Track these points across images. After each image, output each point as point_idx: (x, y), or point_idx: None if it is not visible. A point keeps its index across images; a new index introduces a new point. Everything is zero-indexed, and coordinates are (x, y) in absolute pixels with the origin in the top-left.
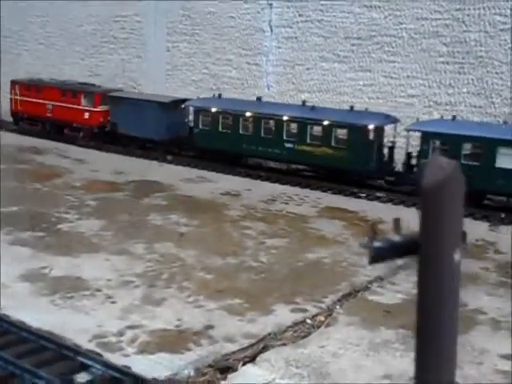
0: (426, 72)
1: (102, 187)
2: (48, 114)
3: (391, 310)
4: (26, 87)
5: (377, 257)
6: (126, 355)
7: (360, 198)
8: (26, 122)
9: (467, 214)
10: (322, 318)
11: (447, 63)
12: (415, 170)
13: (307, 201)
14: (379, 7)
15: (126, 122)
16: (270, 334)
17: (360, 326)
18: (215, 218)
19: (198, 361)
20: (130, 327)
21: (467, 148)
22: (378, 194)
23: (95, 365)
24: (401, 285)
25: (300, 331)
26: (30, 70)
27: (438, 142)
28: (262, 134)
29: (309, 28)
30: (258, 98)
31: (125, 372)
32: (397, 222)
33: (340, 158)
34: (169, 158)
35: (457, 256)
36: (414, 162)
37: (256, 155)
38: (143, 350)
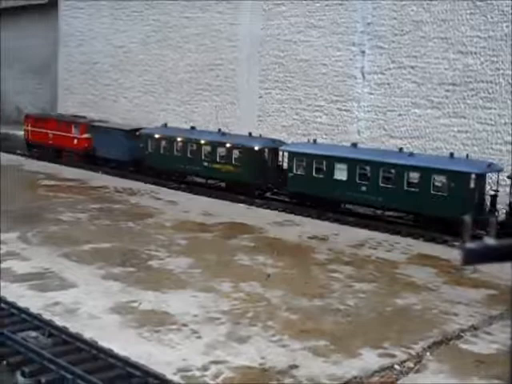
0: None
1: (191, 227)
2: (50, 141)
3: (485, 360)
4: (35, 120)
5: (470, 259)
6: None
7: (454, 246)
8: (35, 148)
9: None
10: (411, 365)
11: None
12: None
13: (397, 247)
14: (475, 53)
15: (102, 146)
16: (355, 378)
17: (451, 375)
18: (302, 260)
19: None
20: (214, 362)
21: None
22: None
23: None
24: (496, 335)
25: (387, 376)
26: (127, 116)
27: None
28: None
29: (401, 74)
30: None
31: None
32: (467, 223)
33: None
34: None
35: None
36: None
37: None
38: None
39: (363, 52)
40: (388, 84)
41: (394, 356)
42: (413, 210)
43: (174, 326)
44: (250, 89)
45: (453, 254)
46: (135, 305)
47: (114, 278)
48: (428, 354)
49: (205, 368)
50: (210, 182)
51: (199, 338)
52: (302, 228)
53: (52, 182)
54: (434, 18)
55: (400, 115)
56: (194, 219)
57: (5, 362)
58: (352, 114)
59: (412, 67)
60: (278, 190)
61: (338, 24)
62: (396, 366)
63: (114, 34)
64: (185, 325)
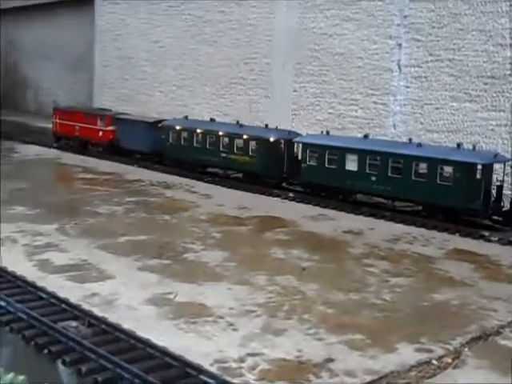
0: None
1: (226, 221)
2: (76, 133)
3: None
4: (62, 113)
5: None
6: (246, 381)
7: (491, 241)
8: (62, 140)
9: None
10: (449, 360)
11: None
12: None
13: (433, 242)
14: None
15: (125, 138)
16: (392, 372)
17: (490, 370)
18: (337, 254)
19: None
20: (251, 354)
21: None
22: None
23: None
24: None
25: (425, 371)
26: (162, 110)
27: None
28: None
29: (439, 67)
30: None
31: None
32: None
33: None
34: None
35: None
36: None
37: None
38: (263, 377)
39: (400, 45)
40: (425, 77)
41: (431, 351)
42: (420, 199)
43: (210, 318)
44: (284, 82)
45: (491, 249)
46: (171, 297)
47: (151, 270)
48: (466, 349)
49: (241, 360)
50: (228, 172)
51: (235, 330)
52: (336, 222)
53: (89, 176)
54: (473, 9)
55: (437, 109)
56: (228, 213)
57: (46, 351)
58: (388, 108)
59: (450, 60)
60: (293, 180)
61: (374, 17)
62: (434, 362)
63: (149, 28)
64: (221, 317)
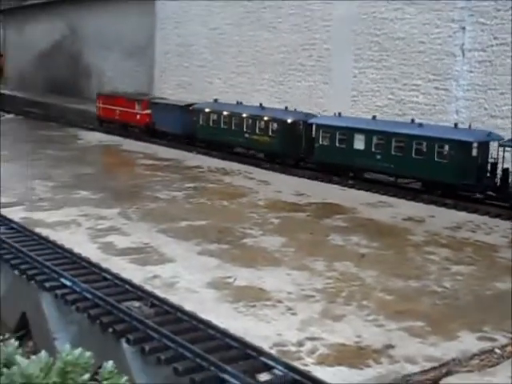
0: None
1: (284, 207)
2: (116, 117)
3: None
4: (105, 98)
5: None
6: (305, 365)
7: None
8: (104, 123)
9: None
10: None
11: None
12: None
13: (497, 230)
14: None
15: (160, 120)
16: (454, 360)
17: None
18: (397, 241)
19: (377, 378)
20: (310, 339)
21: None
22: None
23: (278, 366)
24: None
25: (487, 360)
26: (221, 97)
27: None
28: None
29: (504, 51)
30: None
31: (307, 376)
32: None
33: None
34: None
35: None
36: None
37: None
38: (322, 361)
39: (463, 28)
40: (489, 61)
41: (494, 340)
42: (420, 176)
43: (268, 302)
44: (343, 68)
45: None
46: (230, 280)
47: (210, 254)
48: None
49: (300, 344)
50: (251, 152)
51: (294, 314)
52: (396, 209)
53: (149, 162)
54: None
55: (502, 94)
56: (286, 199)
57: (111, 330)
58: (450, 94)
59: None
60: (308, 159)
61: (436, 0)
62: (497, 350)
63: (208, 15)
64: (280, 301)
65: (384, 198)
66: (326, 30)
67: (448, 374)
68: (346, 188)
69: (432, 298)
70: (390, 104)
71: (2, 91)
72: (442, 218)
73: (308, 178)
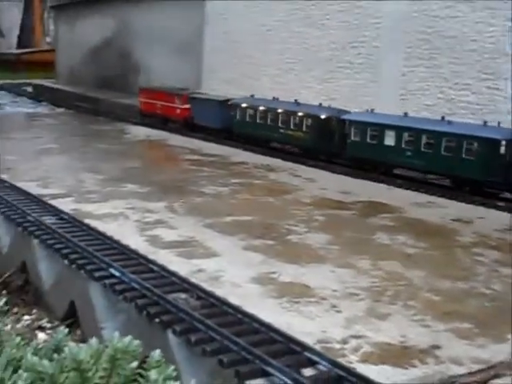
0: None
1: (329, 205)
2: (157, 111)
3: None
4: (147, 92)
5: None
6: (349, 362)
7: None
8: (146, 117)
9: None
10: None
11: None
12: None
13: None
14: None
15: (199, 115)
16: (503, 363)
17: None
18: (444, 242)
19: (422, 378)
20: (354, 337)
21: None
22: None
23: (322, 361)
24: None
25: None
26: (268, 94)
27: None
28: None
29: None
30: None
31: (352, 372)
32: None
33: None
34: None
35: None
36: None
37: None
38: (366, 359)
39: None
40: None
41: None
42: (448, 172)
43: (313, 299)
44: (392, 66)
45: None
46: (275, 276)
47: (255, 250)
48: None
49: (344, 341)
50: (287, 147)
51: (338, 311)
52: (444, 210)
53: (195, 157)
54: None
55: None
56: (331, 197)
57: (157, 320)
58: (503, 93)
59: None
60: (341, 155)
61: None
62: None
63: (256, 12)
64: (324, 298)
65: (433, 198)
66: (376, 27)
67: (496, 376)
68: (392, 187)
69: (480, 299)
70: (440, 103)
71: (54, 85)
72: (492, 219)
73: (355, 177)
